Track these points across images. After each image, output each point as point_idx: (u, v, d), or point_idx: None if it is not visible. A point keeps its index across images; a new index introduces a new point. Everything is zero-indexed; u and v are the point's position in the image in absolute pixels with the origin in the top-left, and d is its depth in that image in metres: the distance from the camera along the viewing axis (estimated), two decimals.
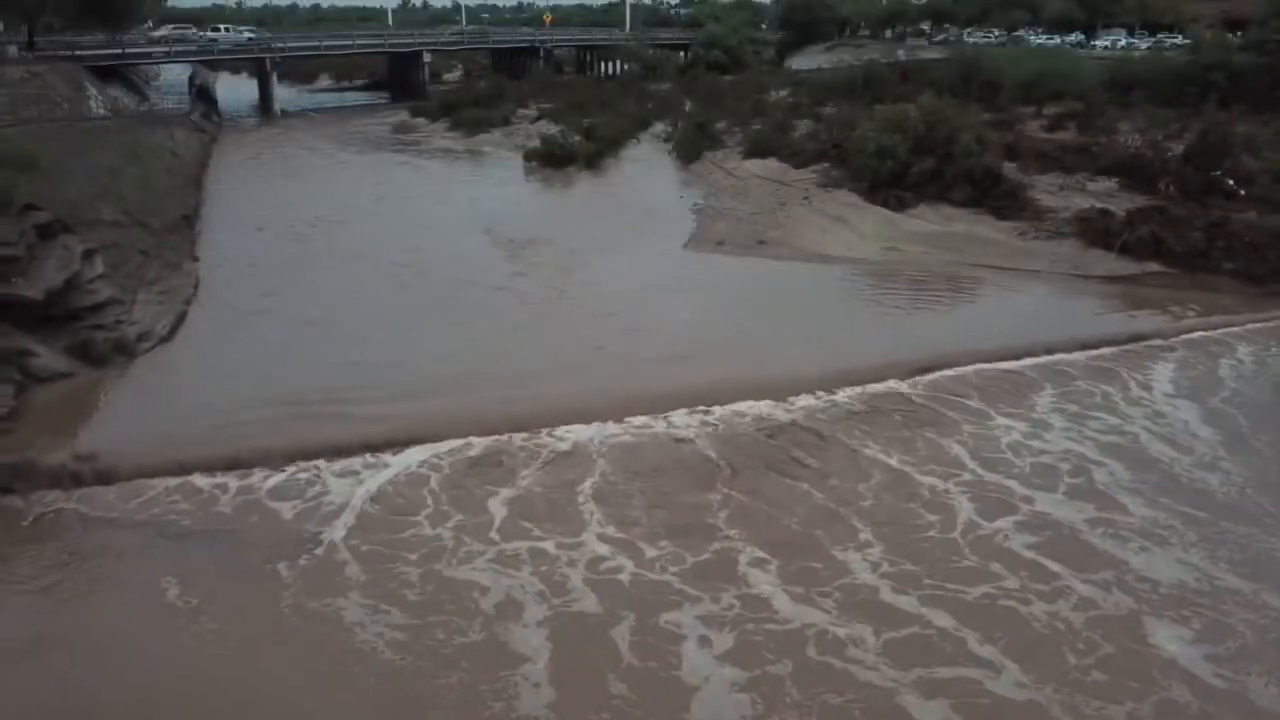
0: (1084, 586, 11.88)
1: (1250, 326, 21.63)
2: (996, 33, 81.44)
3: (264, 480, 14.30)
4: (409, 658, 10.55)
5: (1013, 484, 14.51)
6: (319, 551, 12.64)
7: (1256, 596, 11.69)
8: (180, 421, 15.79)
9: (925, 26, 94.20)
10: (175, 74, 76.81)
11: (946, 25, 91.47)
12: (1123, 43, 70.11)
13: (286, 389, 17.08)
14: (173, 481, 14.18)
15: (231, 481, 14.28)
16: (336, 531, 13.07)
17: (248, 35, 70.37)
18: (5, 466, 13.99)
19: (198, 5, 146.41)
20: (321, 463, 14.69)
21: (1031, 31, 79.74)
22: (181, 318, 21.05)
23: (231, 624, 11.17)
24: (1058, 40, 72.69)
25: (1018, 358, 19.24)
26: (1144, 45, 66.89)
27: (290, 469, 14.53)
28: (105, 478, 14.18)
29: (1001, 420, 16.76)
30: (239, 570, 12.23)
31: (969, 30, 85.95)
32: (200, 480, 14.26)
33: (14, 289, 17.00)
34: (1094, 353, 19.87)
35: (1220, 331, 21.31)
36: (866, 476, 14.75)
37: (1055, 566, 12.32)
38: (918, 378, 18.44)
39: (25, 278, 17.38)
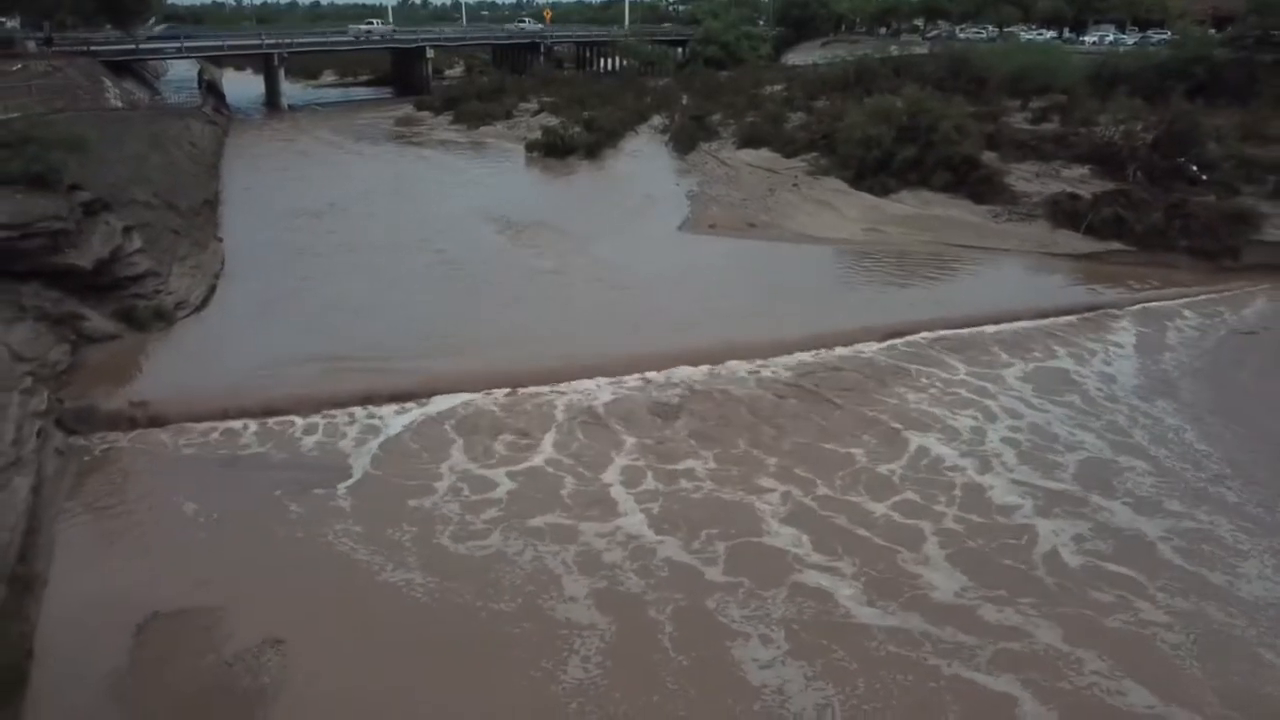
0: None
1: (1201, 297, 23.41)
2: (989, 29, 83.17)
3: (297, 424, 16.05)
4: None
5: (947, 415, 16.66)
6: (343, 482, 14.39)
7: None
8: (220, 376, 17.54)
9: (919, 23, 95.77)
10: (181, 70, 78.71)
11: (940, 21, 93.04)
12: (1110, 38, 71.80)
13: (315, 349, 18.80)
14: (215, 425, 15.95)
15: (267, 425, 16.03)
16: (361, 463, 14.86)
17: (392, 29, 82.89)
18: (70, 411, 15.77)
19: (198, 4, 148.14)
20: (353, 409, 16.44)
21: (1024, 28, 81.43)
22: (212, 290, 22.83)
23: (247, 540, 12.94)
24: (1047, 36, 74.36)
25: (981, 324, 21.00)
26: (1131, 41, 68.53)
27: (322, 415, 16.27)
28: (157, 421, 15.96)
29: (962, 370, 18.79)
30: (262, 496, 13.92)
31: (962, 26, 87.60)
32: (240, 424, 16.01)
33: (67, 258, 18.71)
34: (1055, 320, 21.65)
35: (1174, 302, 23.12)
36: (829, 413, 16.75)
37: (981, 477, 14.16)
38: (890, 341, 20.21)
39: (76, 249, 19.08)
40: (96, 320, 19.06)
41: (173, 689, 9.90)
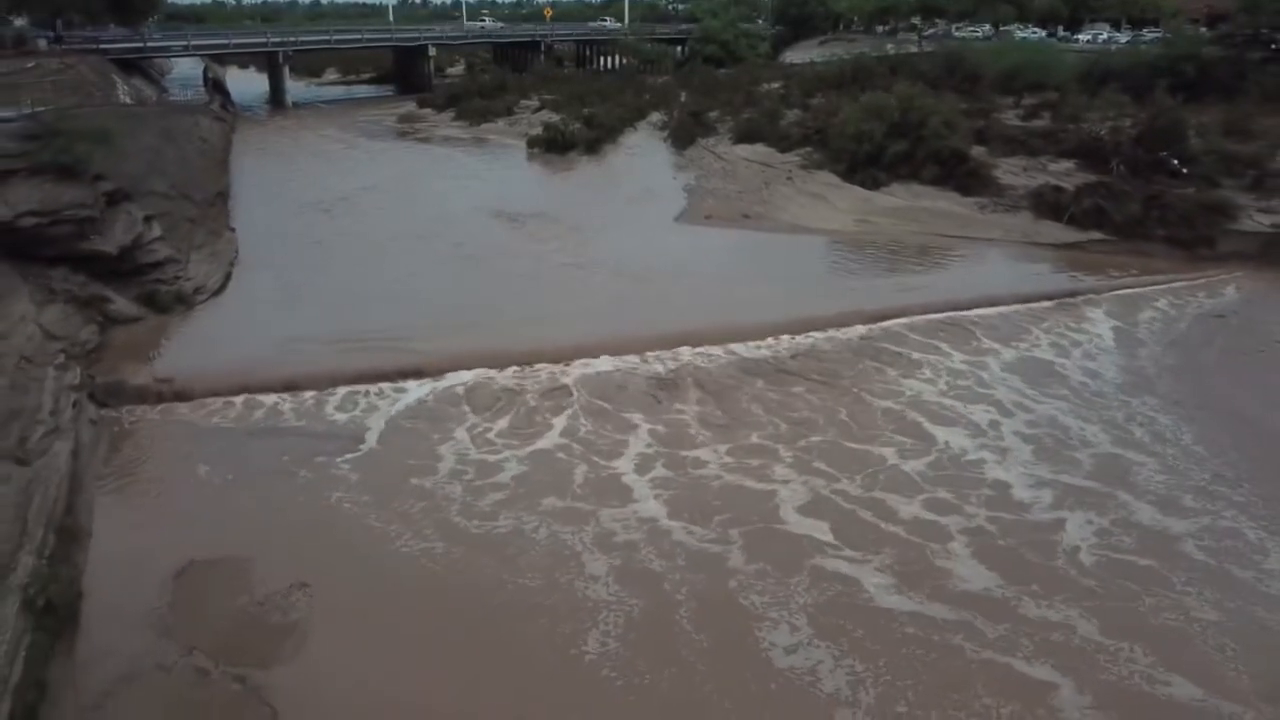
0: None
1: (1177, 284, 24.37)
2: (985, 28, 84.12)
3: (315, 399, 17.05)
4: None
5: (927, 390, 17.70)
6: (359, 449, 15.39)
7: None
8: (240, 354, 18.57)
9: (916, 21, 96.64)
10: (186, 68, 79.54)
11: (936, 20, 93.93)
12: (1104, 37, 72.72)
13: (330, 331, 19.82)
14: (237, 399, 16.95)
15: (286, 399, 17.03)
16: (373, 434, 15.86)
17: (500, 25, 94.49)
18: (101, 386, 16.77)
19: (199, 3, 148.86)
20: (367, 385, 17.42)
21: (1019, 26, 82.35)
22: (228, 277, 23.84)
23: (271, 502, 13.89)
24: (1042, 34, 75.34)
25: (963, 309, 21.98)
26: (1124, 39, 69.43)
27: (339, 389, 17.27)
28: (182, 396, 16.97)
29: (945, 350, 19.81)
30: (284, 463, 14.88)
31: (958, 25, 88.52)
32: (260, 398, 17.01)
33: (93, 244, 19.70)
34: (1034, 305, 22.62)
35: (1150, 289, 24.07)
36: (821, 391, 17.69)
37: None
38: (878, 324, 21.19)
39: (101, 236, 20.07)
40: (121, 303, 20.07)
41: (211, 624, 10.91)
